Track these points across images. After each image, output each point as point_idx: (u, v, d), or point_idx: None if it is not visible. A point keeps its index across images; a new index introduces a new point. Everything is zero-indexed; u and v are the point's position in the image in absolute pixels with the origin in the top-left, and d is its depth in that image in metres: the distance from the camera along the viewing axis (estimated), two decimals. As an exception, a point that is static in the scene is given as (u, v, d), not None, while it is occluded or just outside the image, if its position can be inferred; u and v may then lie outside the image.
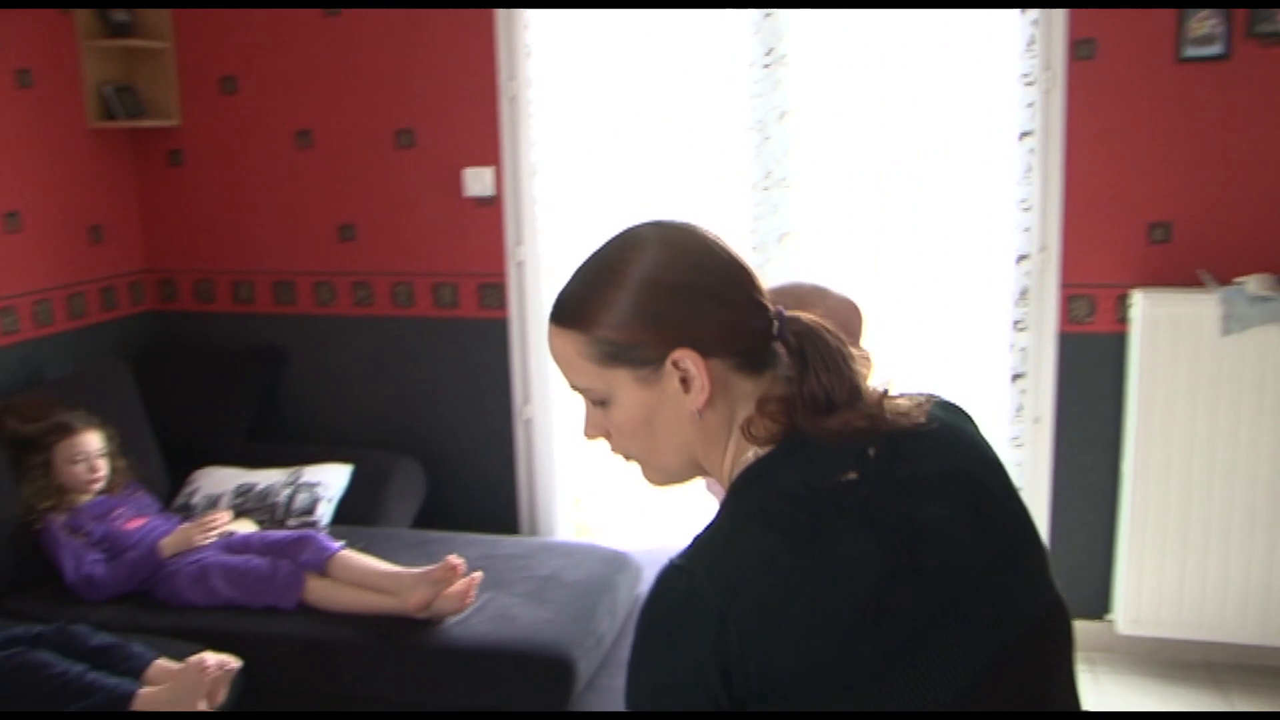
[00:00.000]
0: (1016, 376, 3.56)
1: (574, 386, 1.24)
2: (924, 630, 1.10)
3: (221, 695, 2.63)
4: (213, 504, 3.57)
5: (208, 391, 4.01)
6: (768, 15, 3.53)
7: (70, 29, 3.83)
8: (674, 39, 3.71)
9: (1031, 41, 3.35)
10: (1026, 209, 3.45)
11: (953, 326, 3.89)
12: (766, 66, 3.58)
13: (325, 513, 3.57)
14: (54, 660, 2.54)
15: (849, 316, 1.81)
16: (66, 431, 3.22)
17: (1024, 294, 3.50)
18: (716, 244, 1.21)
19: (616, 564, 3.27)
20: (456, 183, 3.84)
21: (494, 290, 3.89)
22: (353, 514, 3.63)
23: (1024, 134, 3.41)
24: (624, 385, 1.19)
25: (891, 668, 1.09)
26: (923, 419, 1.21)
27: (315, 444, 4.02)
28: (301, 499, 3.58)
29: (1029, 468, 3.57)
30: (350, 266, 4.03)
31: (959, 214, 3.74)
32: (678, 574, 1.12)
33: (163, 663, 2.65)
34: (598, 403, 1.23)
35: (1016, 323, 3.53)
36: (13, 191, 3.64)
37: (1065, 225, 3.42)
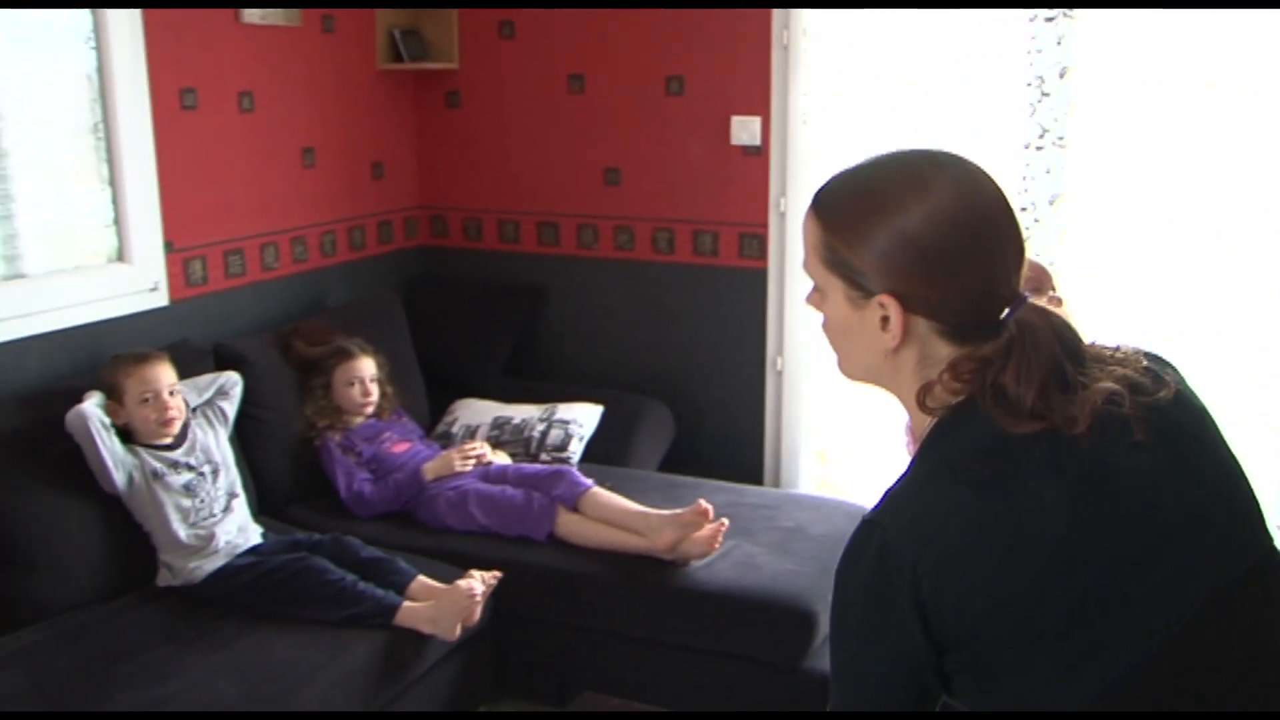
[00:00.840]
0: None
1: (804, 265, 1.29)
2: (1118, 579, 1.09)
3: (476, 616, 2.76)
4: (470, 434, 3.72)
5: (471, 325, 4.17)
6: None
7: (368, -26, 4.04)
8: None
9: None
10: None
11: (1237, 304, 3.63)
12: (1050, 20, 3.41)
13: (576, 450, 3.67)
14: (331, 567, 2.72)
15: (1039, 277, 1.79)
16: (346, 356, 3.42)
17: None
18: (998, 215, 1.20)
19: (862, 522, 3.23)
20: (723, 131, 3.84)
21: (754, 240, 3.88)
22: (602, 453, 3.71)
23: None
24: (836, 292, 1.24)
25: (1085, 617, 1.08)
26: (1142, 381, 1.18)
27: (569, 382, 4.14)
28: (555, 435, 3.68)
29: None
30: (614, 210, 4.10)
31: (1246, 184, 3.47)
32: (871, 529, 1.15)
33: (424, 579, 2.79)
34: (816, 289, 1.28)
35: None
36: (310, 129, 3.88)
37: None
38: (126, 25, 3.15)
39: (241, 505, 2.93)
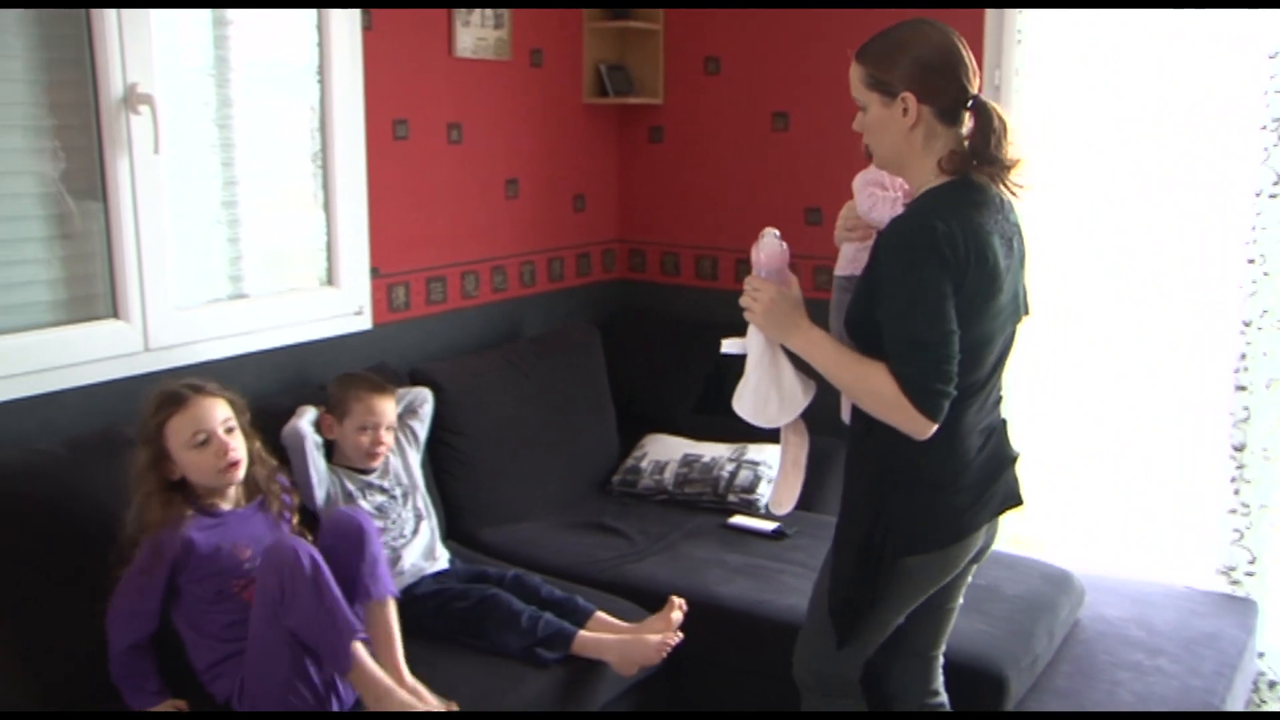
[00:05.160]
0: None
1: (853, 94, 2.10)
2: (1006, 303, 2.07)
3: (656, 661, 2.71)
4: (659, 470, 3.71)
5: (665, 361, 4.16)
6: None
7: (578, 12, 4.11)
8: (1181, 30, 3.38)
9: None
10: None
11: None
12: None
13: (765, 492, 3.60)
14: (513, 599, 2.73)
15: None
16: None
17: None
18: (962, 49, 2.04)
19: (1060, 583, 3.07)
20: (927, 171, 3.74)
21: (956, 284, 3.75)
22: (791, 497, 3.64)
23: None
24: (874, 102, 2.07)
25: (996, 307, 2.04)
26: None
27: (760, 423, 4.07)
28: (744, 475, 3.63)
29: None
30: (813, 249, 4.03)
31: None
32: (926, 223, 1.98)
33: (602, 615, 2.78)
34: (861, 109, 2.10)
35: None
36: (515, 161, 3.96)
37: None
38: (349, 58, 3.28)
39: (429, 529, 2.97)
